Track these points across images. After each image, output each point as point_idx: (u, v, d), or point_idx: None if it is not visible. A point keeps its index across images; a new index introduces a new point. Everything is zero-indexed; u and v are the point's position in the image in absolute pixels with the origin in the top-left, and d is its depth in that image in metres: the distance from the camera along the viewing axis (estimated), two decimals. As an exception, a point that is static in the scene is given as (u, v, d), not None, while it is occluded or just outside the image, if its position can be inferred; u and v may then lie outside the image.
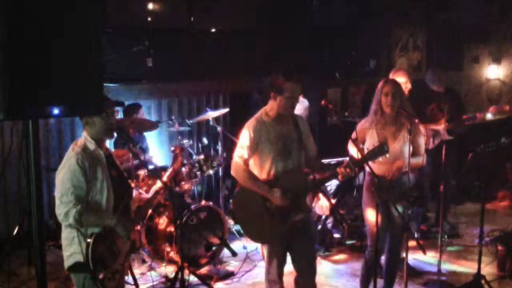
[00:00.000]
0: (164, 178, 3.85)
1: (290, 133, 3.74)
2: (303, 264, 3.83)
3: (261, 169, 3.70)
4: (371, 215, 4.14)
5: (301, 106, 5.44)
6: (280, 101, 3.64)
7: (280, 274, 3.82)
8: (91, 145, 3.19)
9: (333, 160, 5.54)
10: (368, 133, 4.21)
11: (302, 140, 3.76)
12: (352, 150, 4.21)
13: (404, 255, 4.30)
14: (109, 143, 5.23)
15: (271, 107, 3.72)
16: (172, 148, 5.06)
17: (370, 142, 4.14)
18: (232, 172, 3.77)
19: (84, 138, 3.22)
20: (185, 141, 5.69)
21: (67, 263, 3.18)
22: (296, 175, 3.69)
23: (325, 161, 5.27)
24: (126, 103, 6.06)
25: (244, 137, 3.68)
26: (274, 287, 3.85)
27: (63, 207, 3.05)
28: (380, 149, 3.64)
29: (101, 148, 3.24)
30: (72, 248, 3.14)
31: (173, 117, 6.19)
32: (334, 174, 3.66)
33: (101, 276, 3.04)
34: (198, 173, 5.41)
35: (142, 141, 5.97)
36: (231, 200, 4.61)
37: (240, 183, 3.81)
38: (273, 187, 3.64)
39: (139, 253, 5.19)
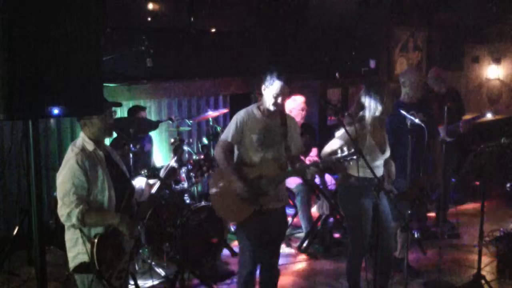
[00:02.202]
0: (162, 172, 3.88)
1: (276, 127, 3.95)
2: (267, 253, 4.02)
3: (243, 155, 3.95)
4: (365, 216, 4.11)
5: (300, 101, 5.68)
6: (267, 96, 3.86)
7: (255, 259, 3.96)
8: (90, 146, 3.19)
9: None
10: (363, 138, 4.10)
11: (286, 136, 3.96)
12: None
13: (404, 255, 4.30)
14: (108, 142, 5.22)
15: (261, 101, 3.95)
16: (172, 141, 5.08)
17: (368, 147, 4.09)
18: (214, 152, 4.07)
19: (82, 139, 3.21)
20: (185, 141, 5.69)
21: (72, 264, 3.17)
22: (272, 165, 3.91)
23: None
24: (127, 103, 6.07)
25: (231, 125, 3.95)
26: (244, 270, 3.98)
27: (66, 208, 3.05)
28: (351, 154, 3.70)
29: (100, 148, 3.24)
30: (76, 249, 3.15)
31: (173, 117, 6.19)
32: (302, 171, 3.90)
33: (107, 276, 3.04)
34: (198, 173, 5.40)
35: (147, 143, 5.96)
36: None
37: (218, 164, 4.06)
38: (249, 172, 3.88)
39: (139, 253, 5.19)
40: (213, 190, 4.05)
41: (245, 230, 3.92)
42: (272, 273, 4.12)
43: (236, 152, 4.00)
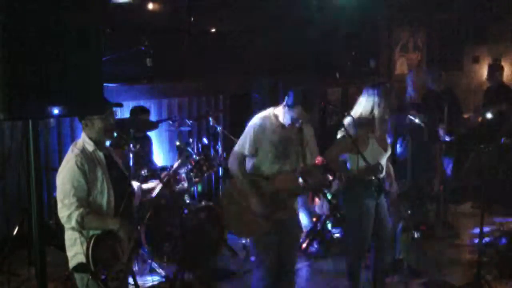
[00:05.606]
0: (176, 165, 3.86)
1: (292, 137, 3.80)
2: (284, 262, 3.90)
3: (258, 167, 3.79)
4: (366, 216, 4.11)
5: None
6: (285, 114, 3.74)
7: (273, 271, 3.84)
8: (90, 147, 3.19)
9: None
10: (366, 141, 4.08)
11: (303, 146, 3.82)
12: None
13: (404, 255, 4.31)
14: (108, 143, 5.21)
15: (279, 110, 3.79)
16: (178, 143, 5.10)
17: (372, 148, 4.09)
18: (228, 164, 3.88)
19: (82, 139, 3.22)
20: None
21: (71, 263, 3.19)
22: (290, 178, 3.76)
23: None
24: (127, 103, 6.06)
25: (247, 135, 3.77)
26: (262, 283, 3.85)
27: (66, 209, 3.05)
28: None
29: (100, 149, 3.24)
30: (75, 249, 3.16)
31: (173, 117, 6.19)
32: (320, 184, 3.84)
33: (103, 276, 3.04)
34: (198, 173, 5.41)
35: (147, 143, 5.95)
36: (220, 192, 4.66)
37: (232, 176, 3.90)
38: (265, 186, 3.73)
39: (139, 253, 5.19)
40: (226, 202, 3.92)
41: (261, 243, 3.81)
42: (290, 278, 4.01)
43: (250, 162, 3.83)
